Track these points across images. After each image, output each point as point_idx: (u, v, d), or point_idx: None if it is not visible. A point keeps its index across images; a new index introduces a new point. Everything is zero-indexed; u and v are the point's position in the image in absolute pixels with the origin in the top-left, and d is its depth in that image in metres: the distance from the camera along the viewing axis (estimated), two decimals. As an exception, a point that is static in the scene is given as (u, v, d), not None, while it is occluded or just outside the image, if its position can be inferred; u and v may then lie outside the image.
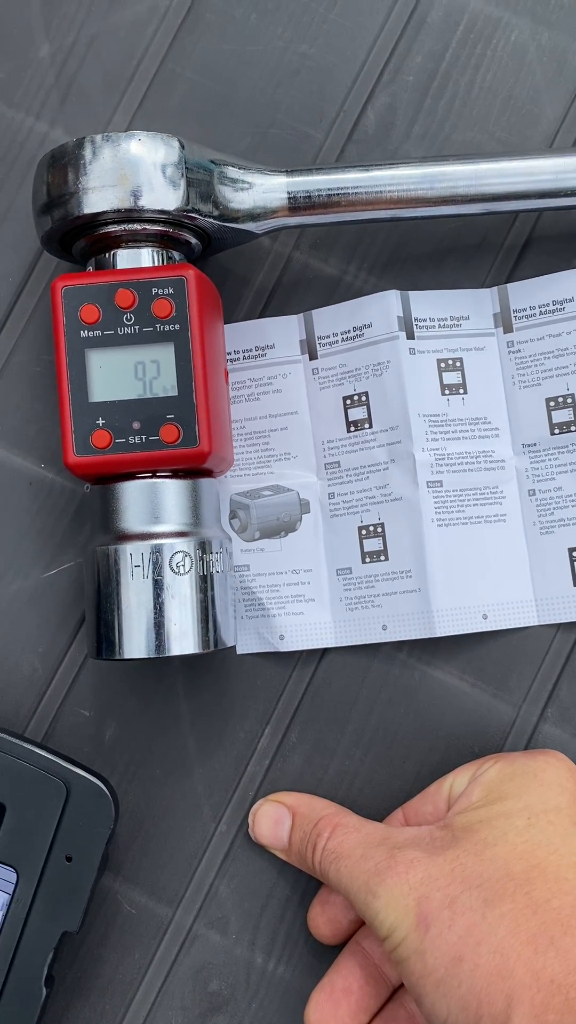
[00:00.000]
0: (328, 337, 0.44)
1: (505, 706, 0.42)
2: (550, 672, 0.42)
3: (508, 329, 0.44)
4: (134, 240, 0.39)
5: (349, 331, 0.43)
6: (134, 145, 0.37)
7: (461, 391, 0.43)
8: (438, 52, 0.45)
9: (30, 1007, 0.37)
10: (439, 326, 0.43)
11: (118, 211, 0.37)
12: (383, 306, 0.43)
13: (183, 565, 0.37)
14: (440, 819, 0.38)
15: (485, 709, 0.42)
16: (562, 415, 0.43)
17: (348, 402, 0.43)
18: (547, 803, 0.36)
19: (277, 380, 0.44)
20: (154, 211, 0.38)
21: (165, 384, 0.37)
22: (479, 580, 0.42)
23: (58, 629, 0.43)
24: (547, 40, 0.45)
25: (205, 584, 0.38)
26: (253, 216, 0.39)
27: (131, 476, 0.38)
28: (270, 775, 0.43)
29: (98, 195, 0.37)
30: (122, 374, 0.37)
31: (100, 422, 0.37)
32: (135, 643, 0.37)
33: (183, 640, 0.37)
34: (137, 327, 0.37)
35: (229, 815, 0.42)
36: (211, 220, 0.39)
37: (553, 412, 0.43)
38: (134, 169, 0.37)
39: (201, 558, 0.38)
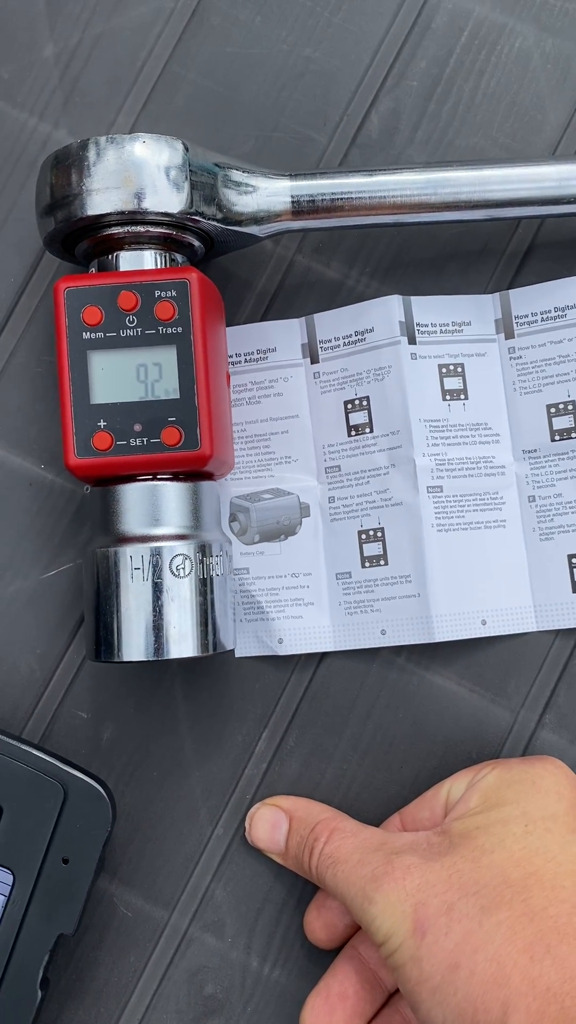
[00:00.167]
0: (330, 341, 0.44)
1: (503, 712, 0.42)
2: (548, 678, 0.43)
3: (510, 335, 0.44)
4: (137, 242, 0.39)
5: (351, 335, 0.43)
6: (138, 147, 0.37)
7: (462, 396, 0.43)
8: (442, 57, 0.45)
9: (25, 1009, 0.37)
10: (441, 331, 0.43)
11: (121, 213, 0.37)
12: (385, 311, 0.43)
13: (183, 568, 0.37)
14: (437, 825, 0.38)
15: (483, 714, 0.42)
16: (563, 422, 0.43)
17: (349, 406, 0.43)
18: (545, 810, 0.36)
19: (278, 383, 0.44)
20: (157, 213, 0.37)
21: (167, 387, 0.37)
22: (478, 585, 0.42)
23: (56, 630, 0.43)
24: (551, 47, 0.45)
25: (205, 587, 0.38)
26: (256, 219, 0.39)
27: (132, 478, 0.38)
28: (267, 779, 0.42)
29: (102, 197, 0.37)
30: (124, 376, 0.37)
31: (101, 424, 0.37)
32: (134, 646, 0.37)
33: (182, 643, 0.37)
34: (139, 329, 0.37)
35: (226, 818, 0.42)
36: (214, 223, 0.39)
37: (554, 418, 0.43)
38: (138, 171, 0.37)
39: (201, 561, 0.38)
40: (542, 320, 0.43)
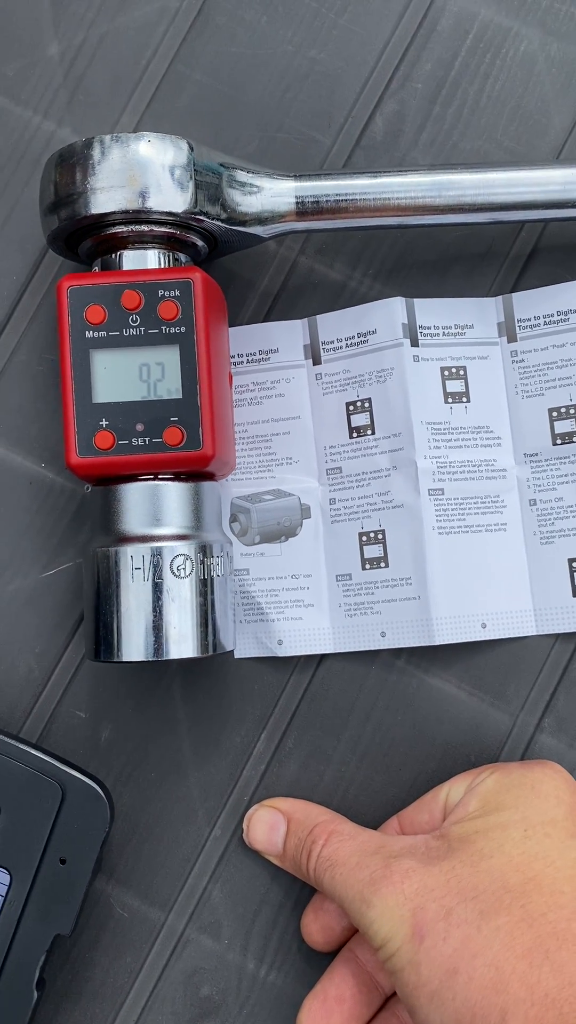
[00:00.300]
0: (332, 342, 0.44)
1: (502, 715, 0.42)
2: (548, 682, 0.42)
3: (512, 339, 0.44)
4: (141, 241, 0.39)
5: (353, 337, 0.43)
6: (143, 146, 0.37)
7: (464, 399, 0.43)
8: (447, 60, 0.45)
9: (21, 1010, 0.37)
10: (443, 334, 0.43)
11: (126, 212, 0.37)
12: (388, 313, 0.43)
13: (184, 568, 0.37)
14: (436, 828, 0.38)
15: (482, 718, 0.42)
16: (564, 425, 0.43)
17: (351, 408, 0.43)
18: (544, 815, 0.35)
19: (280, 384, 0.44)
20: (162, 213, 0.37)
21: (169, 386, 0.37)
22: (478, 589, 0.42)
23: (55, 629, 0.43)
24: (556, 51, 0.45)
25: (205, 588, 0.38)
26: (261, 220, 0.39)
27: (133, 478, 0.38)
28: (266, 780, 0.42)
29: (106, 195, 0.37)
30: (126, 375, 0.37)
31: (103, 423, 0.37)
32: (134, 646, 0.37)
33: (182, 644, 0.37)
34: (143, 329, 0.37)
35: (224, 820, 0.42)
36: (218, 223, 0.39)
37: (555, 422, 0.43)
38: (143, 170, 0.37)
39: (202, 562, 0.38)
40: (544, 324, 0.43)
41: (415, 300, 0.43)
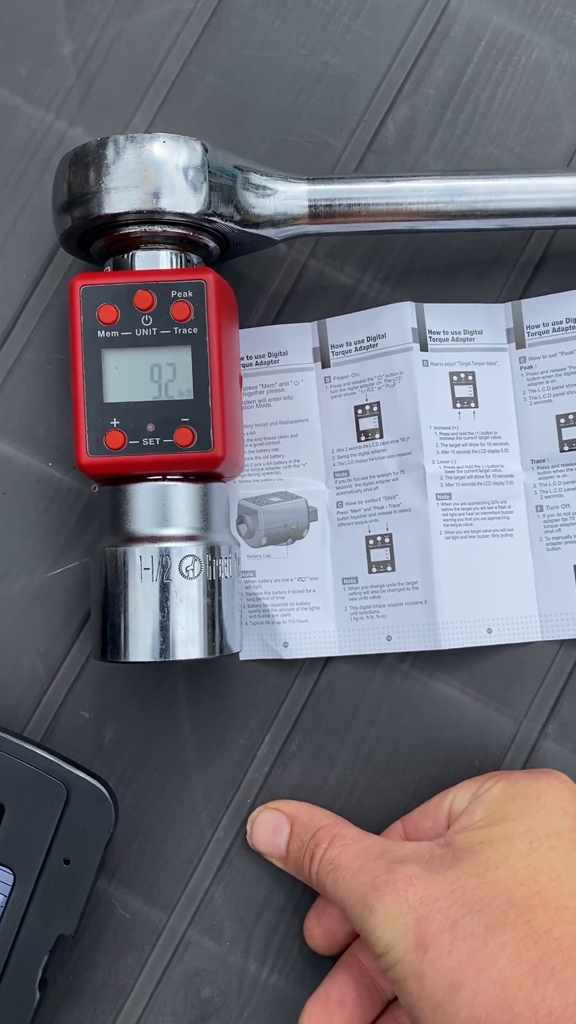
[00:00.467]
0: (341, 346, 0.44)
1: (506, 720, 0.42)
2: (552, 688, 0.43)
3: (521, 345, 0.44)
4: (153, 242, 0.39)
5: (363, 340, 0.43)
6: (157, 147, 0.37)
7: (472, 405, 0.43)
8: (459, 66, 0.45)
9: (23, 1010, 0.37)
10: (452, 339, 0.43)
11: (139, 212, 0.37)
12: (398, 317, 0.43)
13: (192, 569, 0.37)
14: (440, 835, 0.38)
15: (486, 723, 0.42)
16: (572, 432, 0.43)
17: (359, 411, 0.43)
18: (549, 827, 0.35)
19: (289, 387, 0.44)
20: (175, 214, 0.37)
21: (181, 387, 0.37)
22: (484, 594, 0.42)
23: (61, 629, 0.43)
24: (568, 60, 0.45)
25: (213, 589, 0.38)
26: (273, 222, 0.39)
27: (142, 478, 0.38)
28: (269, 783, 0.42)
29: (119, 195, 0.37)
30: (138, 375, 0.37)
31: (114, 423, 0.37)
32: (141, 646, 0.37)
33: (189, 645, 0.37)
34: (155, 329, 0.37)
35: (227, 821, 0.42)
36: (231, 225, 0.39)
37: (563, 429, 0.43)
38: (157, 171, 0.37)
39: (210, 563, 0.38)
40: (553, 331, 0.43)
41: (425, 305, 0.43)
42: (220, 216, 0.38)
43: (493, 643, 0.42)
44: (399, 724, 0.43)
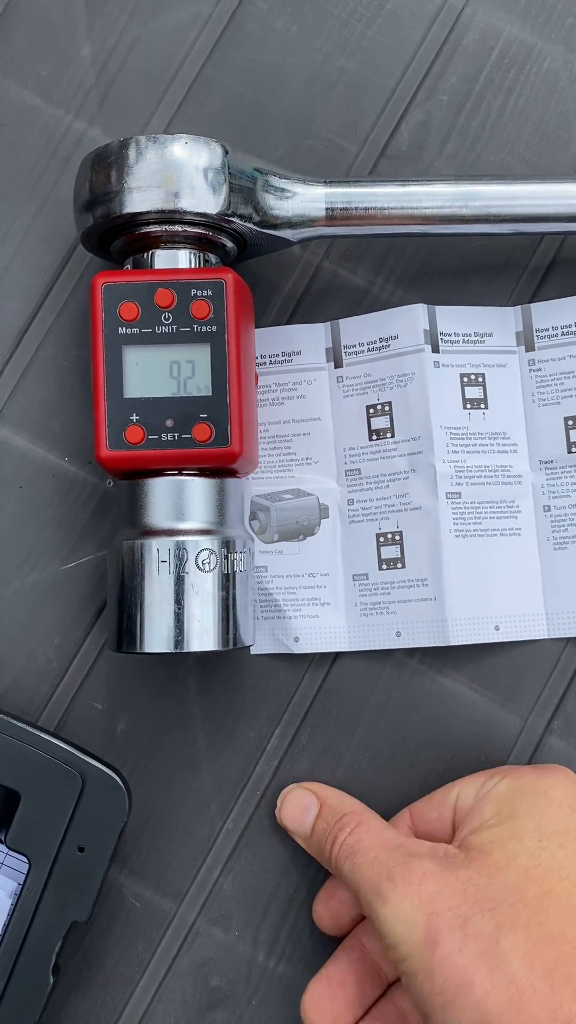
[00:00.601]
0: (354, 346, 0.45)
1: (512, 716, 0.43)
2: (558, 685, 0.43)
3: (530, 348, 0.45)
4: (173, 241, 0.40)
5: (375, 341, 0.44)
6: (179, 147, 0.38)
7: (482, 406, 0.44)
8: (472, 74, 0.46)
9: (37, 995, 0.37)
10: (463, 341, 0.44)
11: (160, 212, 0.38)
12: (410, 319, 0.44)
13: (208, 563, 0.38)
14: (445, 826, 0.39)
15: (493, 719, 0.43)
16: (579, 434, 0.44)
17: (371, 411, 0.44)
18: (558, 824, 0.36)
19: (302, 386, 0.45)
20: (195, 214, 0.38)
21: (199, 384, 0.38)
22: (493, 592, 0.43)
23: (74, 622, 0.44)
24: (579, 69, 0.46)
25: (228, 582, 0.39)
26: (291, 224, 0.40)
27: (159, 472, 0.39)
28: (279, 776, 0.43)
29: (141, 195, 0.38)
30: (157, 372, 0.38)
31: (134, 418, 0.38)
32: (157, 637, 0.38)
33: (204, 637, 0.38)
34: (175, 327, 0.38)
35: (236, 813, 0.43)
36: (250, 225, 0.39)
37: (571, 431, 0.44)
38: (178, 171, 0.38)
39: (226, 556, 0.38)
40: (562, 334, 0.44)
41: (437, 307, 0.44)
42: (240, 217, 0.39)
43: (500, 640, 0.43)
44: (407, 719, 0.43)
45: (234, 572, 0.39)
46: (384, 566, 0.43)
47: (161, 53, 0.46)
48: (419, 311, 0.44)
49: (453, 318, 0.44)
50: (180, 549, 0.38)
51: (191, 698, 0.43)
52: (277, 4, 0.47)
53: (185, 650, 0.38)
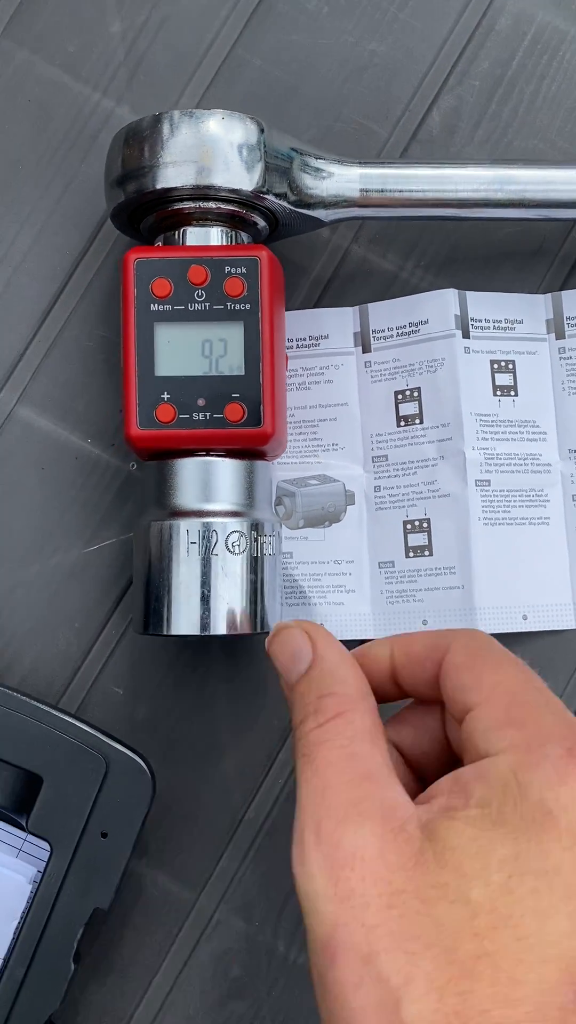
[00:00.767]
0: (383, 331, 0.44)
1: (538, 707, 0.43)
2: (584, 676, 0.43)
3: (560, 335, 0.44)
4: (205, 219, 0.39)
5: (405, 326, 0.44)
6: (215, 123, 0.37)
7: (512, 393, 0.44)
8: (505, 59, 0.46)
9: (58, 981, 0.37)
10: (494, 327, 0.44)
11: (195, 187, 0.37)
12: (441, 304, 0.43)
13: (238, 545, 0.37)
14: (430, 680, 0.31)
15: (518, 709, 0.43)
16: (610, 423, 0.43)
17: (399, 397, 0.44)
18: (544, 861, 0.26)
19: (329, 371, 0.44)
20: (229, 190, 0.38)
21: (231, 363, 0.37)
22: (520, 581, 0.42)
23: (96, 605, 0.43)
24: (612, 56, 0.46)
25: (257, 565, 0.38)
26: (326, 204, 0.40)
27: (189, 453, 0.38)
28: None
29: (175, 170, 0.37)
30: (189, 350, 0.37)
31: (165, 396, 0.37)
32: (184, 619, 0.37)
33: (231, 620, 0.37)
34: (208, 304, 0.37)
35: (258, 801, 0.42)
36: (284, 204, 0.39)
37: (601, 419, 0.43)
38: (213, 146, 0.37)
39: (255, 539, 0.38)
40: (593, 322, 0.44)
41: (468, 293, 0.44)
42: (274, 195, 0.38)
43: (528, 629, 0.42)
44: (431, 708, 0.43)
45: (263, 555, 0.38)
46: (411, 553, 0.43)
47: (191, 32, 0.46)
48: (450, 296, 0.43)
49: (484, 304, 0.44)
50: (210, 531, 0.37)
51: (213, 684, 0.43)
52: (309, -15, 0.46)
53: (212, 632, 0.37)
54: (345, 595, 0.43)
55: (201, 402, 0.37)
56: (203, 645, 0.43)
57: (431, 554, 0.42)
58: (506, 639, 0.43)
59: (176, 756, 0.42)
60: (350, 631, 0.43)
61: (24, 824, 0.38)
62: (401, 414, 0.43)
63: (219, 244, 0.39)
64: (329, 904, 0.26)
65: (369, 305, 0.44)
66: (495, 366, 0.44)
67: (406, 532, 0.43)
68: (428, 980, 0.24)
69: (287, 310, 0.44)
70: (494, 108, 0.46)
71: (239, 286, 0.37)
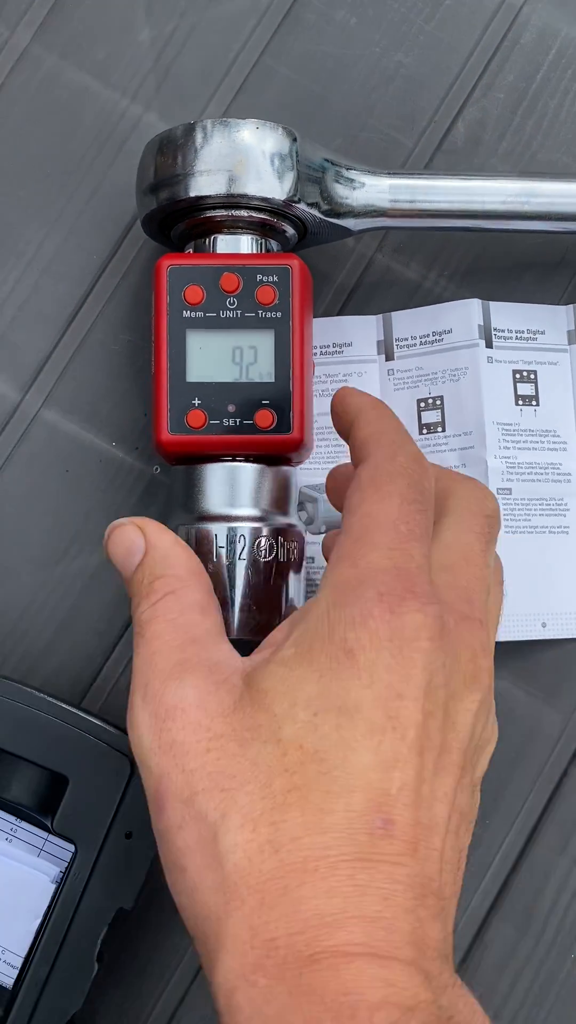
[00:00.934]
0: (406, 339, 0.44)
1: (555, 713, 0.43)
2: (601, 684, 0.43)
3: (581, 347, 0.45)
4: (235, 226, 0.39)
5: (428, 335, 0.44)
6: (248, 132, 0.38)
7: (533, 403, 0.44)
8: (529, 73, 0.46)
9: (81, 981, 0.37)
10: (516, 338, 0.44)
11: (227, 196, 0.38)
12: (465, 313, 0.44)
13: (266, 550, 0.38)
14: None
15: (536, 715, 0.43)
16: (629, 434, 0.44)
17: (422, 405, 0.44)
18: (345, 697, 0.27)
19: (352, 378, 0.45)
20: (260, 199, 0.38)
21: (261, 370, 0.38)
22: (540, 589, 0.43)
23: (118, 608, 0.43)
24: None
25: (282, 570, 0.38)
26: (356, 214, 0.40)
27: (217, 458, 0.38)
28: (321, 767, 0.43)
29: (207, 179, 0.38)
30: (220, 356, 0.38)
31: (196, 402, 0.38)
32: (211, 624, 0.37)
33: (256, 625, 0.38)
34: (239, 312, 0.38)
35: (277, 804, 0.43)
36: (315, 213, 0.39)
37: (621, 430, 0.44)
38: (246, 156, 0.38)
39: (282, 544, 0.38)
40: (613, 334, 0.44)
41: (491, 303, 0.44)
42: (306, 204, 0.39)
43: (547, 637, 0.43)
44: (449, 714, 0.43)
45: (289, 560, 0.39)
46: (432, 560, 0.43)
47: (219, 40, 0.46)
48: (474, 306, 0.44)
49: (506, 314, 0.44)
50: (237, 535, 0.38)
51: (234, 687, 0.43)
52: (337, -4, 0.47)
53: (237, 637, 0.37)
54: (366, 601, 0.43)
55: (231, 408, 0.37)
56: (225, 648, 0.43)
57: (452, 561, 0.43)
58: (523, 647, 0.43)
59: (196, 758, 0.43)
60: (370, 636, 0.43)
61: (49, 825, 0.38)
62: (424, 422, 0.44)
63: (249, 252, 0.39)
64: (154, 756, 0.28)
65: (393, 313, 0.45)
66: (517, 376, 0.44)
67: (427, 539, 0.43)
68: (242, 814, 0.26)
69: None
70: (518, 121, 0.46)
71: (271, 294, 0.38)
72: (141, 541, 0.33)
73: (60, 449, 0.44)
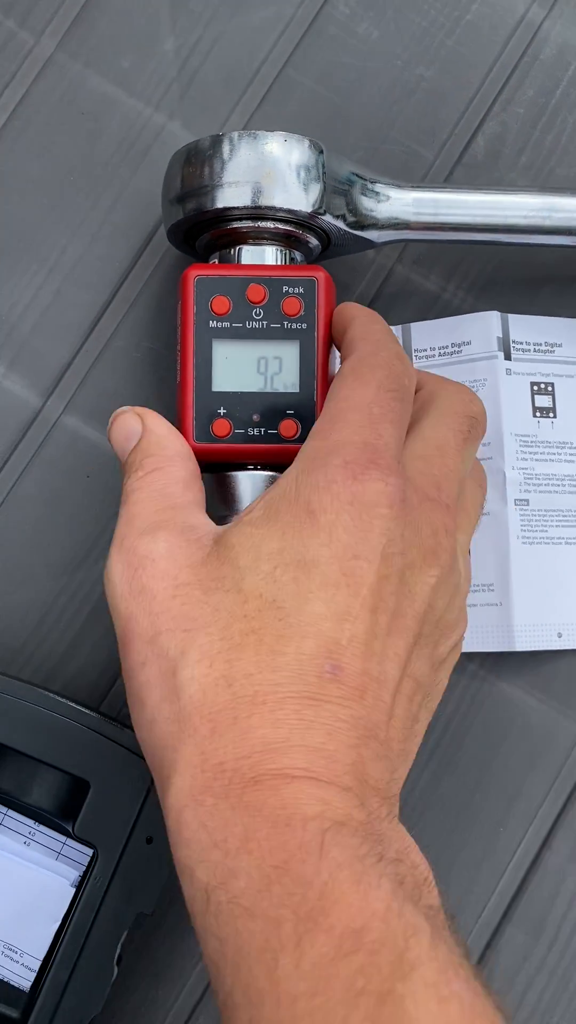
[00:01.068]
0: (425, 350, 0.45)
1: (570, 724, 0.44)
2: (615, 694, 0.44)
3: (598, 360, 0.45)
4: (260, 238, 0.40)
5: (447, 347, 0.45)
6: (275, 144, 0.38)
7: (551, 415, 0.45)
8: (549, 88, 0.47)
9: (101, 985, 0.37)
10: (534, 350, 0.45)
11: (254, 207, 0.38)
12: (484, 326, 0.44)
13: (289, 559, 0.38)
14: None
15: (550, 725, 0.44)
16: None
17: (441, 416, 0.44)
18: (304, 552, 0.29)
19: (371, 388, 0.45)
20: (286, 211, 0.38)
21: (287, 380, 0.38)
22: (556, 599, 0.43)
23: (138, 613, 0.44)
24: None
25: (304, 579, 0.39)
26: (380, 226, 0.41)
27: (240, 467, 0.39)
28: (337, 774, 0.43)
29: (234, 190, 0.38)
30: (245, 367, 0.38)
31: (221, 411, 0.38)
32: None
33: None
34: (265, 322, 0.38)
35: (294, 810, 0.43)
36: (340, 225, 0.40)
37: None
38: (273, 167, 0.38)
39: (304, 553, 0.39)
40: (630, 348, 0.45)
41: (510, 315, 0.45)
42: (331, 216, 0.39)
43: (563, 647, 0.43)
44: (464, 722, 0.44)
45: (311, 569, 0.39)
46: (449, 570, 0.43)
47: (243, 51, 0.47)
48: (493, 318, 0.44)
49: (525, 327, 0.45)
50: (260, 544, 0.38)
51: (252, 694, 0.44)
52: (359, 9, 0.47)
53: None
54: (383, 609, 0.44)
55: (256, 418, 0.38)
56: (243, 655, 0.44)
57: (469, 571, 0.43)
58: (538, 656, 0.44)
59: (214, 764, 0.43)
60: (387, 645, 0.43)
61: (70, 829, 0.38)
62: (442, 433, 0.44)
63: (274, 263, 0.40)
64: (123, 601, 0.30)
65: (412, 325, 0.45)
66: (535, 388, 0.44)
67: (445, 549, 0.44)
68: (201, 651, 0.29)
69: (331, 327, 0.45)
70: (537, 135, 0.47)
71: (296, 305, 0.38)
72: (139, 427, 0.35)
73: (81, 455, 0.44)
